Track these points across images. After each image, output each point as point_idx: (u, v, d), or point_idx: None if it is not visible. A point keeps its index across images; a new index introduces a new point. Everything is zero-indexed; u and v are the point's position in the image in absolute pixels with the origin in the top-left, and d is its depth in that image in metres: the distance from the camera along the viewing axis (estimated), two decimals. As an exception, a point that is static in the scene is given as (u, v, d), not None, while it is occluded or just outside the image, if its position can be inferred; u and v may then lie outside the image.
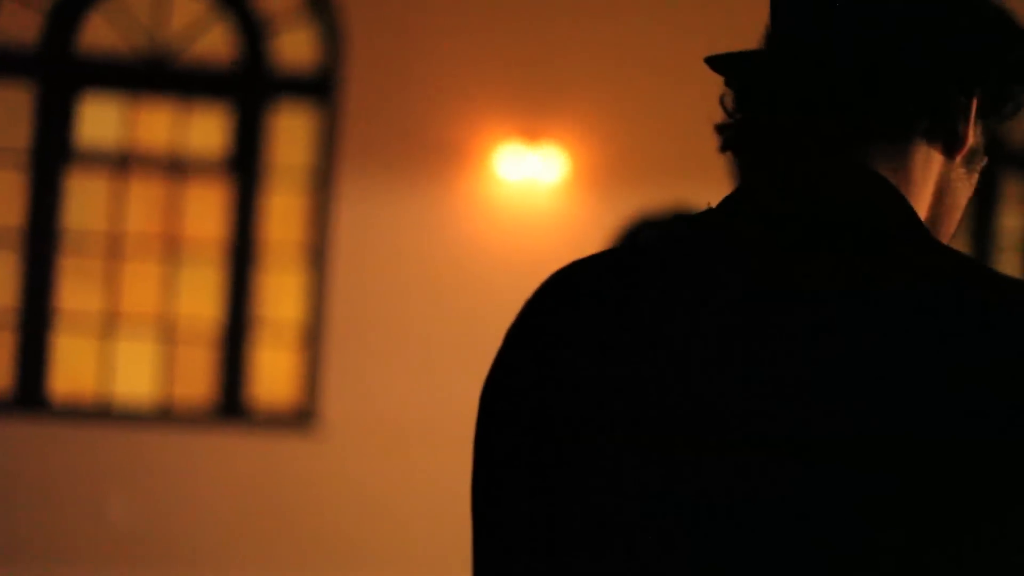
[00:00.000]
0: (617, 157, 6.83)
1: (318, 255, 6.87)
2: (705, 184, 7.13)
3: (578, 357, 0.96)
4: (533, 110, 6.79)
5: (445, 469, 6.76)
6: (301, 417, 6.81)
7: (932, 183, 1.03)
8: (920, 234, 0.96)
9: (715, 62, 1.09)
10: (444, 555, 6.74)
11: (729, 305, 0.93)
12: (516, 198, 6.81)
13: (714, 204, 1.01)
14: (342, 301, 6.76)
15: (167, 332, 6.88)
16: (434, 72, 6.76)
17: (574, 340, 0.97)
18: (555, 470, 0.94)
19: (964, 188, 1.06)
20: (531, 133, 6.74)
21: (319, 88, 6.93)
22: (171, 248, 6.90)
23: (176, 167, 6.90)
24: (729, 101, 1.08)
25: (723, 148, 1.08)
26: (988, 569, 0.85)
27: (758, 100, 1.05)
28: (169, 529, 6.68)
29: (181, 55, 6.88)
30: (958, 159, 1.04)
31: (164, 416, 6.79)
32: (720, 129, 1.08)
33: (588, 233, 6.82)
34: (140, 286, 6.91)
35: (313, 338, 6.84)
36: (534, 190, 6.80)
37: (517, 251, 6.79)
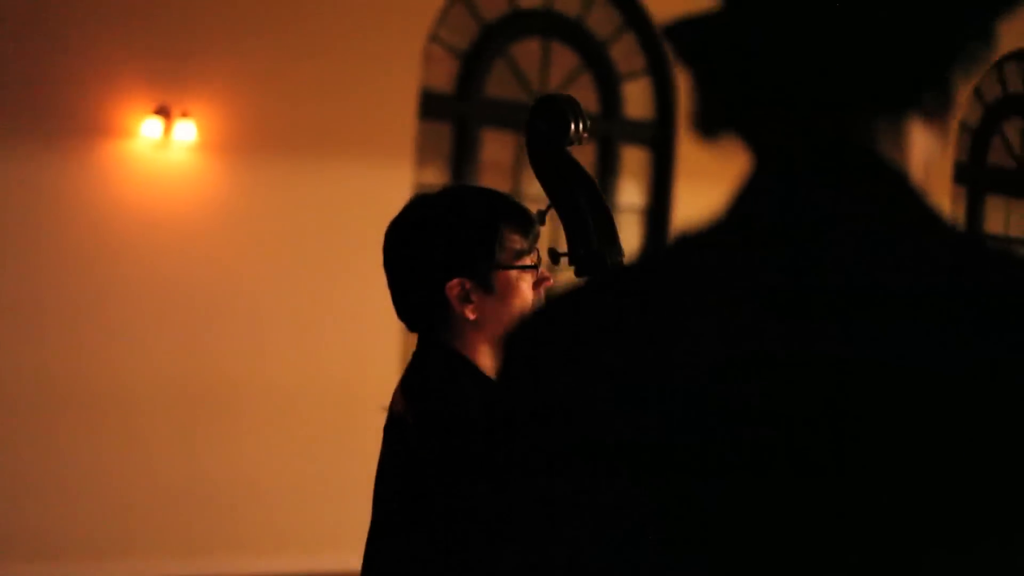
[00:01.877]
0: (244, 125, 6.84)
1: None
2: (319, 153, 7.27)
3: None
4: (167, 79, 6.65)
5: (95, 439, 6.55)
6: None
7: (923, 156, 0.95)
8: (939, 229, 0.91)
9: (674, 32, 0.95)
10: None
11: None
12: (150, 164, 6.64)
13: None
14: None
15: None
16: (67, 36, 6.47)
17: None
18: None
19: (939, 153, 0.99)
20: (166, 102, 6.61)
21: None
22: None
23: None
24: (693, 75, 0.95)
25: (703, 130, 0.95)
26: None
27: (734, 75, 0.94)
28: None
29: None
30: (938, 125, 0.96)
31: None
32: (703, 111, 0.95)
33: (219, 195, 6.77)
34: None
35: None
36: (168, 156, 6.67)
37: (151, 217, 6.64)
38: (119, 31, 6.57)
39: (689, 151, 7.93)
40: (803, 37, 0.92)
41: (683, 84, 7.87)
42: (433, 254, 2.07)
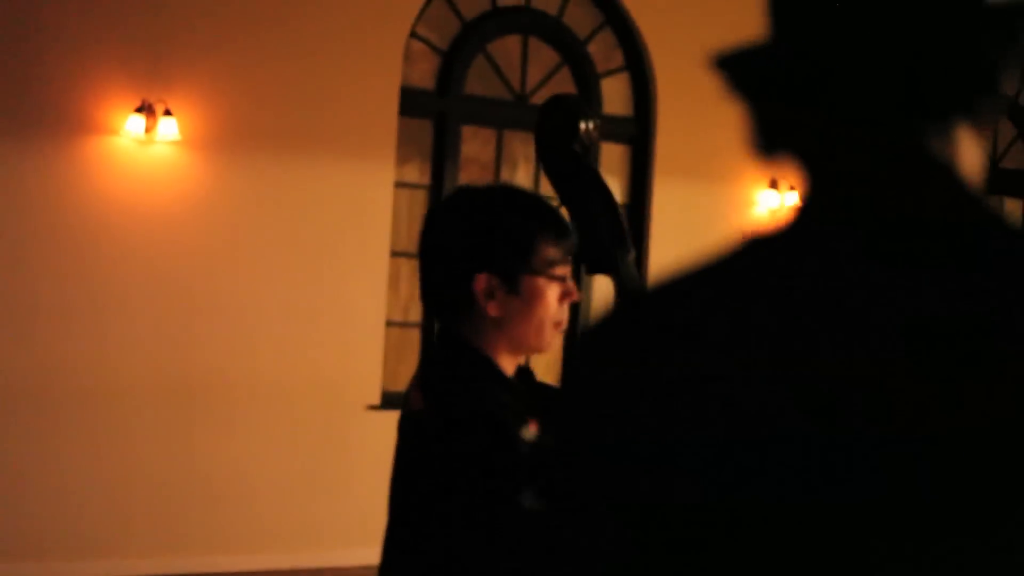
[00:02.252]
0: (227, 122, 6.86)
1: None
2: (302, 150, 7.29)
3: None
4: (150, 77, 6.65)
5: (79, 434, 6.54)
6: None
7: (974, 160, 0.98)
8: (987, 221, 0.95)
9: (727, 64, 1.00)
10: None
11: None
12: (133, 161, 6.65)
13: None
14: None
15: None
16: (50, 33, 6.46)
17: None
18: None
19: (984, 155, 1.01)
20: (148, 99, 6.62)
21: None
22: None
23: None
24: (743, 98, 1.00)
25: (765, 150, 1.00)
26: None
27: (790, 100, 0.98)
28: None
29: None
30: (984, 130, 0.99)
31: None
32: (762, 130, 1.00)
33: (202, 191, 6.79)
34: None
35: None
36: (151, 153, 6.68)
37: (135, 214, 6.64)
38: (102, 29, 6.57)
39: (667, 147, 7.98)
40: (855, 58, 0.96)
41: (661, 81, 7.94)
42: (467, 244, 2.08)
